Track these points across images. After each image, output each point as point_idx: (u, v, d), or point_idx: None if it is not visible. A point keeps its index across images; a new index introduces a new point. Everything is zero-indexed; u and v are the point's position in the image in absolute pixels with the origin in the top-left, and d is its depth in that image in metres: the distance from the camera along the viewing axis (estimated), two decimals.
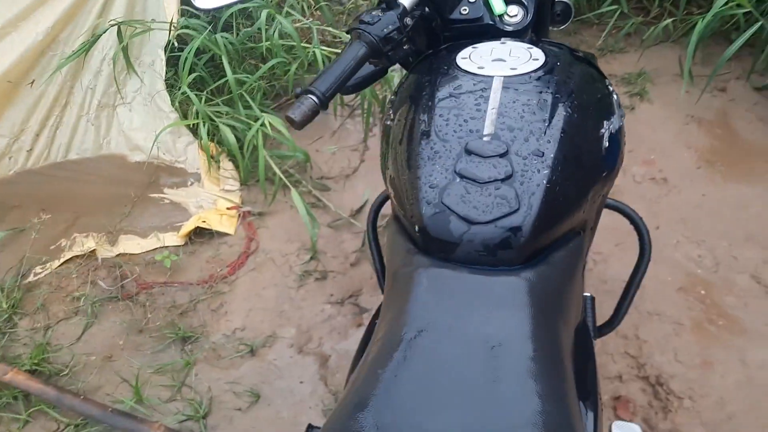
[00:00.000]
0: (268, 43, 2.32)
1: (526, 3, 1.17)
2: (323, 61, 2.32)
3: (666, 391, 1.68)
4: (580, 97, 0.98)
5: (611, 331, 1.28)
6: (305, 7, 2.73)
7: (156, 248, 2.07)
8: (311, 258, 2.02)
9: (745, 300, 1.91)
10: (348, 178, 2.33)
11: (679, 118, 2.43)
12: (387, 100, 1.13)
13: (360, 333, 1.84)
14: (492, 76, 0.98)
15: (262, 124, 2.11)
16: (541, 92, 0.96)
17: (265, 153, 2.12)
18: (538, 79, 0.98)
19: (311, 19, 2.63)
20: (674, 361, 1.74)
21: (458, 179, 0.88)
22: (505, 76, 0.98)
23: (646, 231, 1.17)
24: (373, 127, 2.47)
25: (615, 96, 1.05)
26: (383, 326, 0.88)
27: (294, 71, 2.36)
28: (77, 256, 2.03)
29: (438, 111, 0.95)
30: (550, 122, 0.92)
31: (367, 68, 1.11)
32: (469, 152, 0.89)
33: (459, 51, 1.07)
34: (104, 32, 2.20)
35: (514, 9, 1.16)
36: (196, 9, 0.98)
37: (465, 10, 1.16)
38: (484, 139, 0.90)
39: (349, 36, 1.07)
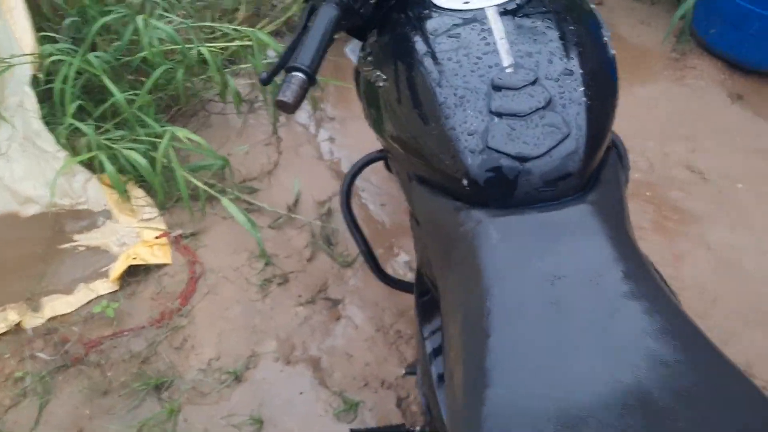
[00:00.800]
0: (147, 52, 2.12)
1: None
2: (213, 60, 2.16)
3: None
4: (575, 10, 0.95)
5: None
6: (168, 8, 2.52)
7: (90, 301, 1.84)
8: (266, 264, 1.88)
9: (688, 190, 2.00)
10: (271, 174, 2.19)
11: None
12: (363, 64, 1.03)
13: (340, 326, 1.75)
14: (483, 8, 0.92)
15: (172, 138, 1.93)
16: (539, 12, 0.91)
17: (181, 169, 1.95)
18: (530, 0, 0.93)
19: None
20: None
21: (497, 118, 0.81)
22: (496, 5, 0.92)
23: (620, 142, 1.16)
24: (279, 116, 2.34)
25: (593, 5, 1.02)
26: (460, 295, 0.80)
27: (182, 76, 2.17)
28: (2, 334, 1.77)
29: (443, 55, 0.88)
30: (563, 40, 0.87)
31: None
32: (497, 88, 0.82)
33: None
34: None
35: None
36: None
37: None
38: (508, 71, 0.84)
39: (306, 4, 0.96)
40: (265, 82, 0.99)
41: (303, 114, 2.39)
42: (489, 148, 0.80)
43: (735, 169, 2.05)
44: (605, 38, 0.94)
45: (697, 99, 2.29)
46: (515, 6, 0.92)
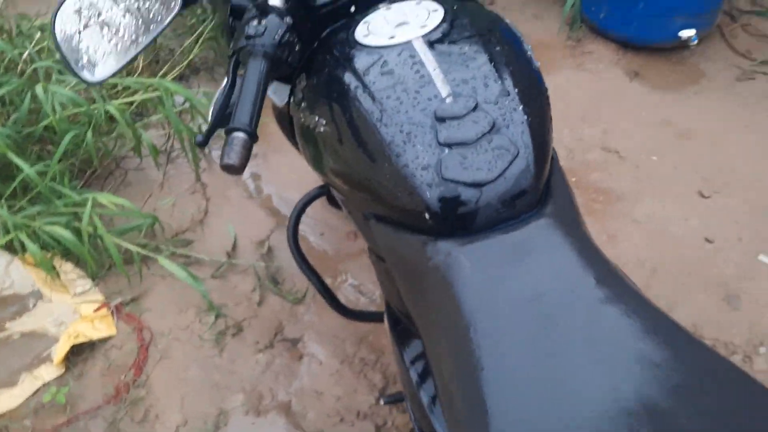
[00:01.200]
0: (50, 119, 2.03)
1: None
2: (121, 117, 2.09)
3: None
4: (496, 30, 0.97)
5: None
6: (63, 70, 2.42)
7: (37, 390, 1.74)
8: (216, 317, 1.84)
9: (608, 170, 2.09)
10: (203, 223, 2.14)
11: None
12: (297, 109, 1.02)
13: (304, 365, 1.74)
14: (410, 41, 0.93)
15: (96, 205, 1.86)
16: (464, 38, 0.93)
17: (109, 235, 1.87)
18: (452, 27, 0.95)
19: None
20: None
21: (447, 149, 0.82)
22: (422, 36, 0.93)
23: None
24: (200, 161, 2.29)
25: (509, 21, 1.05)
26: (442, 326, 0.80)
27: (91, 138, 2.09)
28: None
29: (381, 94, 0.88)
30: (493, 61, 0.90)
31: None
32: (441, 119, 0.84)
33: (351, 32, 1.00)
34: None
35: None
36: (91, 84, 0.80)
37: None
38: (448, 100, 0.85)
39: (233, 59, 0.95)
40: (202, 144, 0.96)
41: None
42: (445, 179, 0.81)
43: (646, 142, 2.16)
44: (529, 52, 0.98)
45: (598, 81, 2.40)
46: (440, 35, 0.94)
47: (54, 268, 1.94)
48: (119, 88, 2.37)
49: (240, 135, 0.83)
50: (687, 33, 2.30)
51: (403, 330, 1.13)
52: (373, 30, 0.98)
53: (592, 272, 0.76)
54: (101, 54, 0.76)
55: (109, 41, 0.76)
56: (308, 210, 2.12)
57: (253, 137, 0.85)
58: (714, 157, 2.10)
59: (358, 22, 1.02)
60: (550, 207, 0.85)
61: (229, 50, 0.97)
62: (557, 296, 0.74)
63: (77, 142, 2.14)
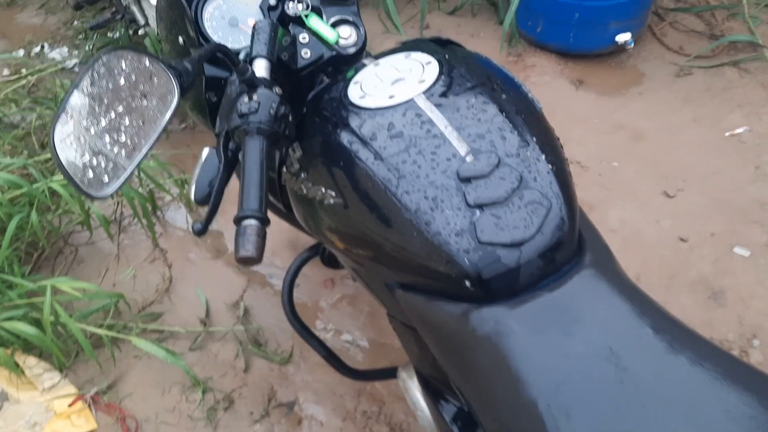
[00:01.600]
0: None
1: (351, 19, 1.09)
2: (66, 191, 1.96)
3: None
4: (494, 76, 0.94)
5: None
6: None
7: None
8: (203, 392, 1.73)
9: (574, 181, 2.09)
10: (169, 292, 2.03)
11: None
12: (295, 181, 0.96)
13: (304, 429, 1.67)
14: (412, 99, 0.88)
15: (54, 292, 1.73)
16: (467, 89, 0.90)
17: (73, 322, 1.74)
18: (451, 78, 0.91)
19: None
20: None
21: (479, 211, 0.78)
22: (423, 92, 0.89)
23: None
24: (155, 225, 2.18)
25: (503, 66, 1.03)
26: (503, 403, 0.76)
27: (37, 218, 1.96)
28: None
29: (395, 159, 0.83)
30: (503, 111, 0.87)
31: (211, 175, 0.93)
32: (466, 179, 0.80)
33: (344, 94, 0.95)
34: None
35: (345, 30, 1.08)
36: (101, 198, 0.71)
37: (306, 53, 1.05)
38: (468, 159, 0.81)
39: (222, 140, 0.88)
40: (201, 232, 0.89)
41: (179, 217, 2.24)
42: (482, 243, 0.77)
43: (604, 149, 2.19)
44: (530, 95, 0.95)
45: (546, 93, 2.42)
46: (443, 88, 0.89)
47: (17, 365, 1.79)
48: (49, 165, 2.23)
49: (252, 222, 0.77)
50: (623, 37, 2.36)
51: (435, 390, 1.08)
52: (367, 90, 0.93)
53: (648, 319, 0.74)
54: (105, 163, 0.68)
55: (112, 148, 0.68)
56: (278, 262, 2.06)
57: (265, 222, 0.78)
58: (670, 155, 2.15)
59: (347, 83, 0.97)
60: (587, 255, 0.82)
61: (217, 129, 0.90)
62: (624, 351, 0.71)
63: (21, 225, 2.00)
